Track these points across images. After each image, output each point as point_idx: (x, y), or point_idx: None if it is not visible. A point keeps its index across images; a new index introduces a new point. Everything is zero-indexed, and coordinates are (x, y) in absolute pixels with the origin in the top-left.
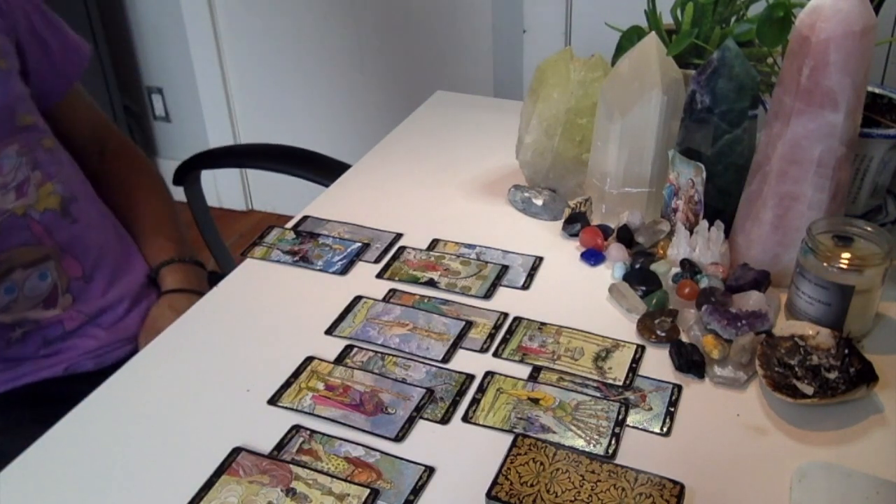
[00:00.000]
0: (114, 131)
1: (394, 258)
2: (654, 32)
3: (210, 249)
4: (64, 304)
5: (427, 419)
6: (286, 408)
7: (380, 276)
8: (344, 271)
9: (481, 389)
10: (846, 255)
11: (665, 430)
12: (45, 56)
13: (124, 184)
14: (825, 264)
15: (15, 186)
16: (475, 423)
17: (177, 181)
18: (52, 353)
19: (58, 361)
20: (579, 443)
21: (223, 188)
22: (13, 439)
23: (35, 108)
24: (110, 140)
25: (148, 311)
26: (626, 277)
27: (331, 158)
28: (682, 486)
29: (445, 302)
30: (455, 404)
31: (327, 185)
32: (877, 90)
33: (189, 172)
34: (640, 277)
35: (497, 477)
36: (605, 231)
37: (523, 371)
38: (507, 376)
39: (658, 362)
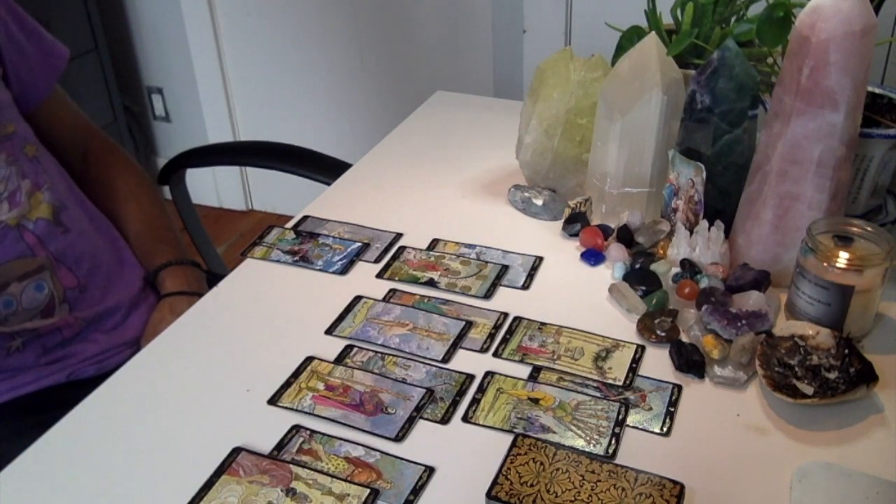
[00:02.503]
0: (96, 133)
1: (394, 258)
2: (654, 32)
3: (197, 248)
4: (61, 313)
5: (427, 419)
6: (286, 408)
7: (380, 275)
8: (344, 271)
9: (481, 389)
10: (846, 255)
11: (665, 430)
12: (22, 60)
13: (111, 186)
14: (825, 264)
15: (7, 197)
16: (475, 423)
17: (162, 180)
18: (53, 360)
19: (60, 368)
20: (579, 443)
21: (223, 188)
22: (16, 447)
23: (17, 115)
24: (93, 142)
25: (148, 314)
26: (626, 277)
27: (328, 157)
28: (682, 486)
29: (445, 302)
30: (455, 404)
31: (327, 184)
32: (877, 90)
33: (174, 171)
34: (640, 277)
35: (497, 477)
36: (605, 231)
37: (523, 371)
38: (507, 376)
39: (658, 362)
